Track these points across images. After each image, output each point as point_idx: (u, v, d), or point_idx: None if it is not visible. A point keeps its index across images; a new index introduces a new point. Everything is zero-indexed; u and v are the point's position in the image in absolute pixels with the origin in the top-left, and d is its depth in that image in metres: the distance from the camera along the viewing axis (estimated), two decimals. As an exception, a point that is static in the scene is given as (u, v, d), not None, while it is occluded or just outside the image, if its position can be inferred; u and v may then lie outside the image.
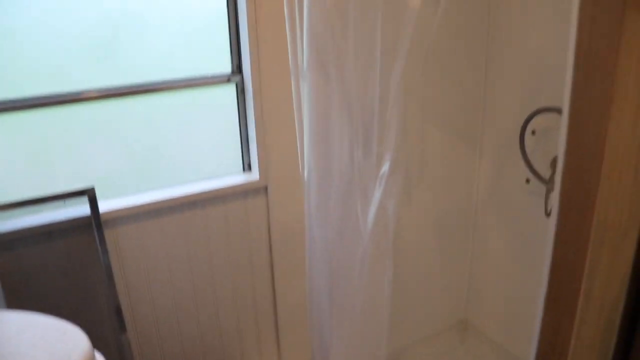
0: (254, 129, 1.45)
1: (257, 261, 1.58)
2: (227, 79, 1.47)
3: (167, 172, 1.46)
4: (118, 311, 1.33)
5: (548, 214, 1.45)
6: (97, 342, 0.89)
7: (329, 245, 1.23)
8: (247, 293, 1.60)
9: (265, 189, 1.52)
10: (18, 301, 1.23)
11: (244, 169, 1.56)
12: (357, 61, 1.10)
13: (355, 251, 1.21)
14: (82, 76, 1.28)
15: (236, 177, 1.51)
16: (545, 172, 1.56)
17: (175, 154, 1.46)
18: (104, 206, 1.32)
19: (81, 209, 1.28)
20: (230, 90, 1.49)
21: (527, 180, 1.66)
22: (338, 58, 1.10)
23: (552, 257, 0.63)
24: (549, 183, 1.48)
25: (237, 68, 1.47)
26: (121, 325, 1.34)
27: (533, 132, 1.60)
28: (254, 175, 1.52)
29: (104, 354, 0.91)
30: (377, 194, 1.18)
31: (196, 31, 1.41)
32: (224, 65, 1.47)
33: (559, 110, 1.49)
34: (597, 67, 0.51)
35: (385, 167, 1.20)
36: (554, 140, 1.55)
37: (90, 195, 1.26)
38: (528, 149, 1.59)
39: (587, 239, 0.56)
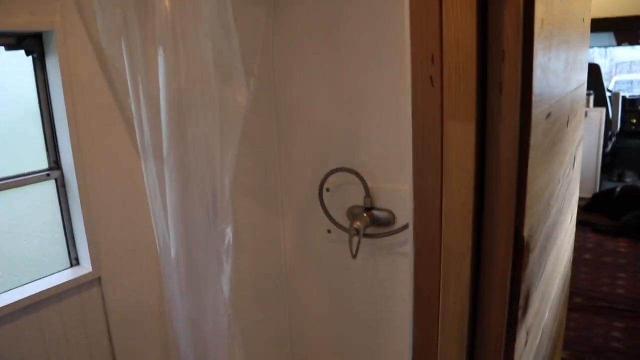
0: (81, 221, 1.46)
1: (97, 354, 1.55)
2: (47, 175, 1.46)
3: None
4: None
5: (354, 256, 1.75)
6: None
7: (195, 317, 1.32)
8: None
9: (99, 280, 1.51)
10: None
11: (71, 264, 1.53)
12: (201, 150, 1.25)
13: (219, 320, 1.32)
14: None
15: (65, 274, 1.48)
16: (344, 221, 1.88)
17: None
18: None
19: None
20: (48, 187, 1.48)
21: (329, 231, 1.96)
22: (189, 144, 1.23)
23: (414, 284, 0.87)
24: (350, 230, 1.79)
25: (55, 163, 1.47)
26: None
27: (327, 189, 1.91)
28: (85, 268, 1.51)
29: None
30: (227, 264, 1.33)
31: (1, 131, 1.39)
32: (38, 162, 1.45)
33: (346, 170, 1.83)
34: (430, 155, 0.78)
35: (228, 238, 1.35)
36: (345, 194, 1.88)
37: None
38: (325, 204, 1.89)
39: (439, 264, 0.82)
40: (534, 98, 0.77)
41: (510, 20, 0.70)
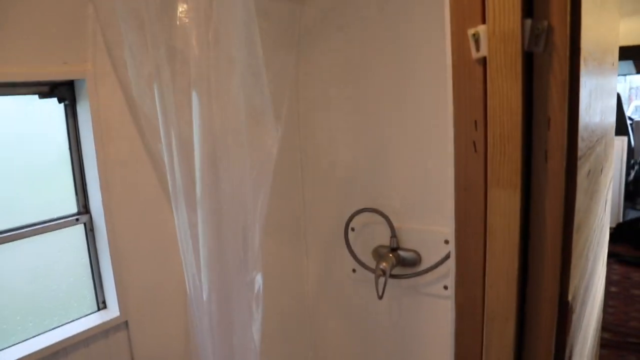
0: (109, 265, 1.46)
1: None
2: (76, 220, 1.46)
3: (14, 326, 1.36)
4: None
5: (380, 297, 1.73)
6: None
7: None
8: None
9: (126, 324, 1.51)
10: None
11: (98, 308, 1.53)
12: (233, 194, 1.25)
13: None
14: None
15: (93, 318, 1.48)
16: (369, 262, 1.86)
17: (22, 304, 1.38)
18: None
19: None
20: (77, 231, 1.48)
21: (354, 270, 1.94)
22: (222, 191, 1.24)
23: (454, 347, 0.85)
24: (376, 271, 1.77)
25: (84, 207, 1.48)
26: None
27: (352, 229, 1.90)
28: (112, 312, 1.50)
29: None
30: (258, 311, 1.31)
31: (33, 176, 1.40)
32: (67, 206, 1.46)
33: (372, 210, 1.82)
34: (472, 220, 0.77)
35: (258, 285, 1.34)
36: (370, 234, 1.86)
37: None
38: (350, 243, 1.88)
39: (481, 328, 0.81)
40: (579, 162, 0.76)
41: (556, 87, 0.69)
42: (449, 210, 1.68)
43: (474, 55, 0.73)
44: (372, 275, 1.80)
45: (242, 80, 1.24)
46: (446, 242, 1.71)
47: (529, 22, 0.69)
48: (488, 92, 0.73)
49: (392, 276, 1.77)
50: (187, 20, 1.23)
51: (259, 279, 1.32)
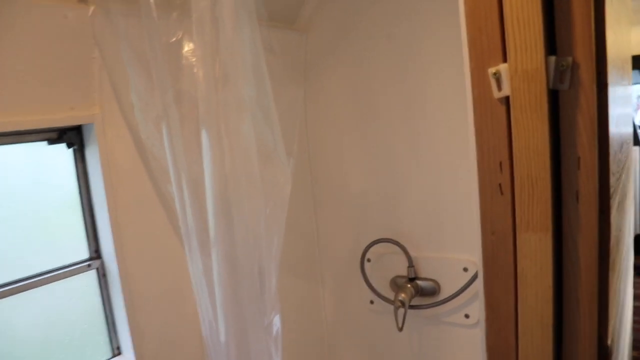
0: (123, 310, 1.42)
1: None
2: (88, 266, 1.43)
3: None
4: None
5: (400, 329, 1.68)
6: None
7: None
8: None
9: (142, 369, 1.47)
10: None
11: (113, 354, 1.50)
12: (247, 235, 1.22)
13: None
14: None
15: (108, 365, 1.45)
16: (387, 293, 1.82)
17: (37, 353, 1.35)
18: None
19: None
20: (89, 276, 1.45)
21: (372, 302, 1.90)
22: (236, 232, 1.20)
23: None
24: (395, 302, 1.73)
25: (96, 252, 1.45)
26: None
27: (368, 260, 1.86)
28: (128, 358, 1.47)
29: None
30: (277, 354, 1.27)
31: (44, 223, 1.38)
32: (79, 252, 1.43)
33: (387, 240, 1.78)
34: (500, 264, 0.74)
35: (277, 328, 1.30)
36: (386, 265, 1.82)
37: None
38: (367, 274, 1.84)
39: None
40: (612, 202, 0.73)
41: (585, 125, 0.66)
42: (467, 238, 1.65)
43: (496, 94, 0.71)
44: (390, 307, 1.76)
45: (252, 118, 1.22)
46: (465, 269, 1.67)
47: (552, 59, 0.66)
48: (513, 133, 0.70)
49: (412, 307, 1.73)
50: (193, 60, 1.21)
51: (277, 321, 1.28)
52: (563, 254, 0.71)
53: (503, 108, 0.71)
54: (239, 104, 1.20)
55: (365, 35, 1.73)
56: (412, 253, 1.75)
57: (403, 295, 1.71)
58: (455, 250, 1.69)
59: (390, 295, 1.80)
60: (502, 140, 0.72)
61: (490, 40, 0.70)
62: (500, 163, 0.72)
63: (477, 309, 1.68)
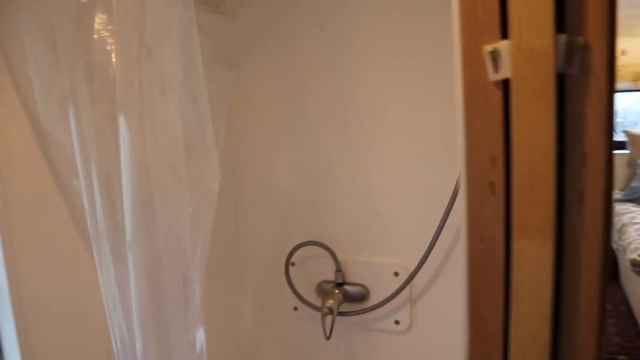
0: (14, 331, 1.20)
1: None
2: (-32, 274, 1.19)
3: None
4: None
5: (328, 337, 1.57)
6: None
7: None
8: None
9: (35, 395, 1.24)
10: None
11: (-2, 378, 1.26)
12: (171, 239, 1.05)
13: None
14: None
15: (-9, 392, 1.21)
16: (313, 299, 1.69)
17: None
18: None
19: None
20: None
21: (295, 308, 1.76)
22: (157, 235, 1.03)
23: None
24: (322, 309, 1.60)
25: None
26: None
27: (293, 264, 1.73)
28: (17, 382, 1.23)
29: None
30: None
31: None
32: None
33: (314, 243, 1.66)
34: (488, 276, 0.64)
35: (201, 344, 1.14)
36: (312, 269, 1.70)
37: None
38: (291, 280, 1.71)
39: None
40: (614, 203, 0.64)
41: (594, 116, 0.57)
42: (398, 241, 1.57)
43: (492, 77, 0.60)
44: (316, 314, 1.64)
45: (179, 101, 1.05)
46: (396, 274, 1.59)
47: (563, 37, 0.56)
48: (512, 123, 0.59)
49: (340, 313, 1.62)
50: (110, 27, 1.02)
51: (201, 336, 1.12)
52: (563, 265, 0.61)
53: (499, 93, 0.61)
54: (163, 83, 1.03)
55: (297, 24, 1.60)
56: (340, 257, 1.64)
57: (331, 301, 1.60)
58: (386, 254, 1.61)
59: (316, 301, 1.68)
60: (496, 131, 0.61)
61: (487, 13, 0.60)
62: (493, 158, 0.62)
63: (408, 315, 1.60)
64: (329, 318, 1.59)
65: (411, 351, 1.63)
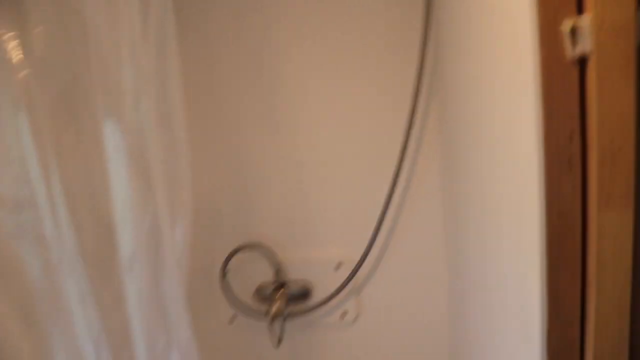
0: None
1: None
2: None
3: None
4: None
5: (279, 343, 1.50)
6: None
7: None
8: None
9: None
10: None
11: None
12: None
13: None
14: None
15: None
16: (252, 305, 1.60)
17: None
18: None
19: None
20: None
21: (233, 318, 1.65)
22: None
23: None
24: (266, 314, 1.52)
25: None
26: None
27: (227, 272, 1.61)
28: None
29: None
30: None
31: None
32: None
33: (248, 246, 1.57)
34: (568, 248, 0.64)
35: None
36: (249, 273, 1.60)
37: None
38: (226, 287, 1.60)
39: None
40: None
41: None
42: (338, 230, 1.55)
43: (570, 53, 0.60)
44: (256, 321, 1.57)
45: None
46: (339, 265, 1.57)
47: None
48: (593, 98, 0.60)
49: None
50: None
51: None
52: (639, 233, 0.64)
53: (576, 69, 0.61)
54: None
55: (217, 18, 1.49)
56: (279, 255, 1.58)
57: (276, 305, 1.53)
58: (327, 246, 1.58)
59: (257, 307, 1.60)
60: (574, 108, 0.62)
61: (564, -11, 0.60)
62: (572, 133, 0.62)
63: (355, 306, 1.59)
64: (275, 324, 1.52)
65: (360, 343, 1.62)
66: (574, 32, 0.60)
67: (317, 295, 1.59)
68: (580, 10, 0.60)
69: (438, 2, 1.33)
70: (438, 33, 1.36)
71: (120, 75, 0.88)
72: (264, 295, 1.61)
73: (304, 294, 1.60)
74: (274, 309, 1.51)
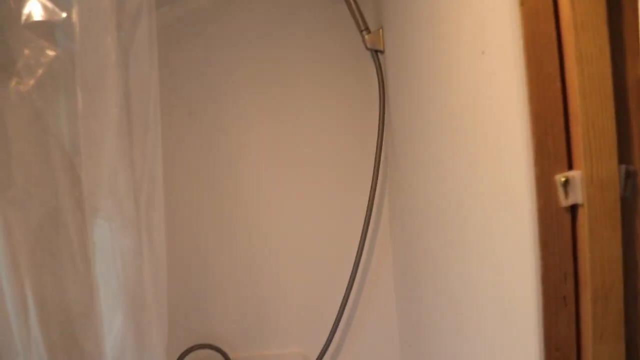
0: None
1: None
2: None
3: None
4: None
5: None
6: None
7: None
8: None
9: None
10: None
11: None
12: None
13: None
14: None
15: None
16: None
17: None
18: None
19: None
20: None
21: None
22: None
23: None
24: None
25: None
26: None
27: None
28: None
29: None
30: None
31: None
32: None
33: (200, 346, 1.51)
34: None
35: None
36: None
37: None
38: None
39: None
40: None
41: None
42: (294, 328, 1.53)
43: (563, 203, 0.67)
44: None
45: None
46: (300, 364, 1.54)
47: (623, 167, 0.66)
48: (585, 243, 0.67)
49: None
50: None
51: None
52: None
53: (568, 217, 0.68)
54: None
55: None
56: (232, 356, 1.53)
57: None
58: (283, 345, 1.55)
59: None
60: (567, 251, 0.68)
61: (557, 146, 0.67)
62: (565, 274, 0.68)
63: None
64: None
65: None
66: (566, 184, 0.66)
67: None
68: (570, 165, 0.67)
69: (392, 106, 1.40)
70: (391, 132, 1.42)
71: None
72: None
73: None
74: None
